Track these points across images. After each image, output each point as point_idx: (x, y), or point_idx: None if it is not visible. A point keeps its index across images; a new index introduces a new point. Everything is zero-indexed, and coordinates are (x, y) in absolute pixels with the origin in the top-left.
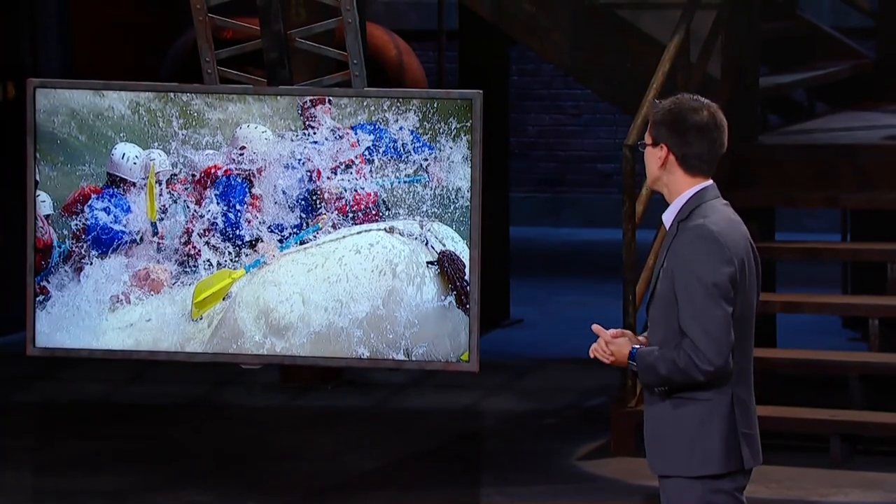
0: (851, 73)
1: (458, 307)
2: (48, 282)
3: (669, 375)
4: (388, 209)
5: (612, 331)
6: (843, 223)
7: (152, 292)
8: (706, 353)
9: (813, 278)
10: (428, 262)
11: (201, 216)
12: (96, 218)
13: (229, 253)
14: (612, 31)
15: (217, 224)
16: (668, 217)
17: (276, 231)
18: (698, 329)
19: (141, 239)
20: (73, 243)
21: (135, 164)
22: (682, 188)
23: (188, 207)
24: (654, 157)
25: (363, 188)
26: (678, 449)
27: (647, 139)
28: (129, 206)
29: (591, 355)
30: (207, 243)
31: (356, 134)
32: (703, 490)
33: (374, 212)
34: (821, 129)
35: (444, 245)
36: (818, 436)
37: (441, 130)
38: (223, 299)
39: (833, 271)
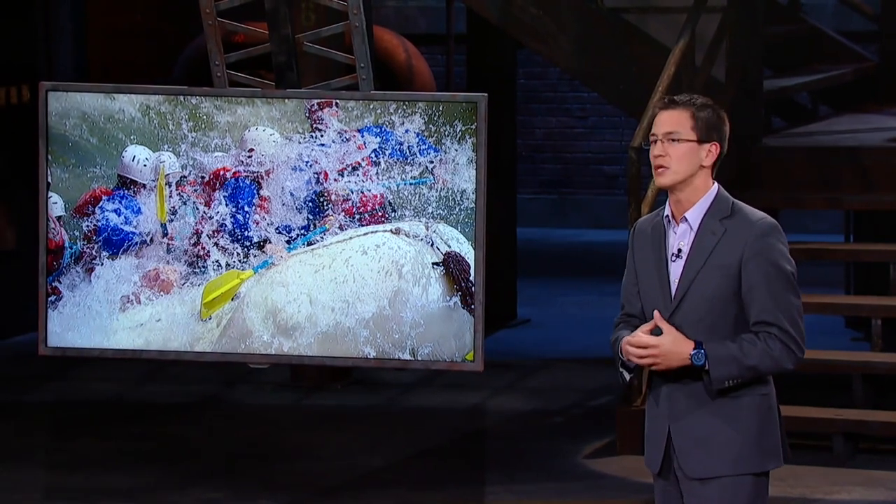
0: (854, 76)
1: (463, 307)
2: (60, 282)
3: (758, 365)
4: (394, 211)
5: (641, 332)
6: (846, 224)
7: (162, 293)
8: (798, 339)
9: (816, 279)
10: (433, 263)
11: (210, 217)
12: (107, 219)
13: (238, 254)
14: (617, 35)
15: (226, 225)
16: (695, 216)
17: (284, 232)
18: (787, 317)
19: (151, 240)
20: (84, 244)
21: (145, 166)
22: (707, 186)
23: (197, 209)
24: (695, 154)
25: (369, 190)
26: (741, 447)
27: (690, 135)
28: (139, 208)
29: (637, 363)
30: (216, 244)
31: (363, 136)
32: (758, 486)
33: (380, 213)
34: (824, 131)
35: (449, 246)
36: (821, 434)
37: (446, 133)
38: (232, 299)
39: (836, 272)
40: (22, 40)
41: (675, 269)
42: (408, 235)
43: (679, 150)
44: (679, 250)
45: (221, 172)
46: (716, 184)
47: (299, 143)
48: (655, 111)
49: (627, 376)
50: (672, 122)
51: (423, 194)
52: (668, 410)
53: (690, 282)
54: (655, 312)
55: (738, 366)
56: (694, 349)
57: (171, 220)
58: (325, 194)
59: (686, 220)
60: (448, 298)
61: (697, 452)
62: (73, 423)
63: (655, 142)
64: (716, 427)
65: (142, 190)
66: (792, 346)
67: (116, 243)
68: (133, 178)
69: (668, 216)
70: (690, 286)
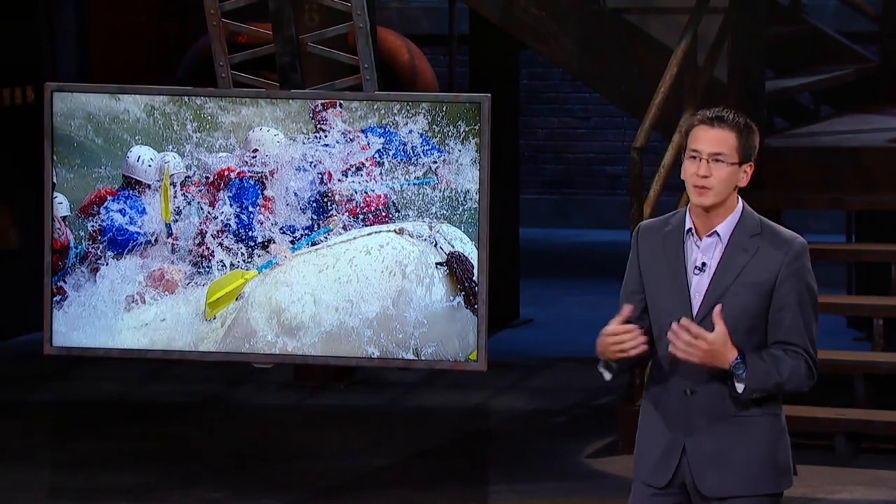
0: (856, 76)
1: (467, 307)
2: (65, 282)
3: (787, 382)
4: (398, 211)
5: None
6: (848, 224)
7: (167, 292)
8: (817, 362)
9: (818, 279)
10: (437, 263)
11: (215, 218)
12: (112, 219)
13: (242, 254)
14: (619, 36)
15: (230, 225)
16: (725, 230)
17: (288, 232)
18: (809, 340)
19: (155, 240)
20: (89, 244)
21: (150, 166)
22: (735, 202)
23: (202, 209)
24: (735, 175)
25: (373, 190)
26: (760, 465)
27: (734, 157)
28: (144, 208)
29: (674, 353)
30: (221, 244)
31: (366, 137)
32: None
33: (384, 213)
34: (826, 132)
35: (452, 246)
36: (823, 434)
37: (450, 133)
38: (236, 299)
39: (838, 272)
40: (25, 41)
41: (699, 283)
42: (411, 235)
43: (723, 172)
44: (703, 264)
45: (226, 173)
46: (741, 199)
47: (303, 143)
48: (696, 123)
49: (608, 376)
50: (719, 143)
51: (427, 194)
52: (683, 424)
53: (719, 297)
54: (717, 310)
55: (770, 380)
56: (737, 357)
57: (176, 221)
58: (329, 194)
59: (717, 234)
60: (452, 298)
61: (715, 470)
62: (75, 422)
63: (697, 159)
64: (734, 445)
65: (146, 190)
66: (814, 368)
67: (121, 243)
68: (138, 178)
69: (690, 229)
70: (718, 301)
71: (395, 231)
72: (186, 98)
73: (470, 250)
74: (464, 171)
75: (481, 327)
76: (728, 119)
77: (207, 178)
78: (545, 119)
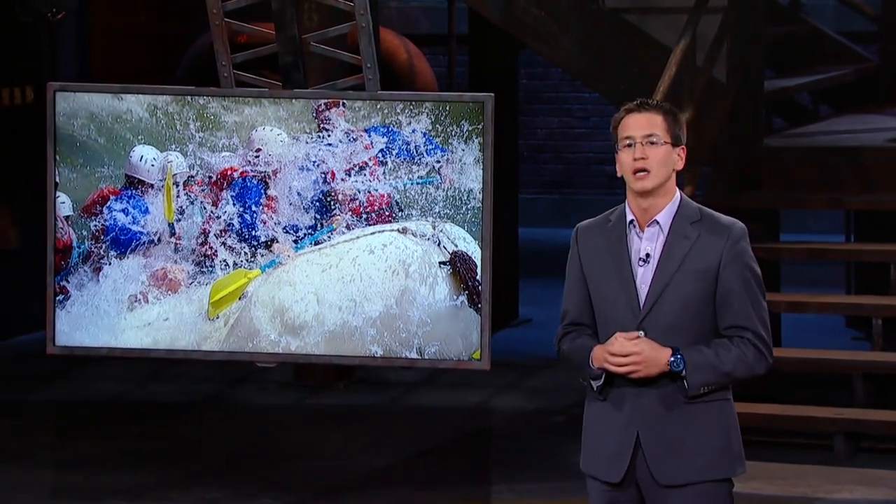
0: (855, 76)
1: (470, 306)
2: (68, 281)
3: (733, 371)
4: (401, 210)
5: (616, 341)
6: (847, 224)
7: (170, 292)
8: (770, 344)
9: (817, 279)
10: (440, 263)
11: (218, 217)
12: (115, 219)
13: (245, 253)
14: (619, 36)
15: (233, 225)
16: (665, 219)
17: (291, 232)
18: (760, 322)
19: (158, 239)
20: (92, 244)
21: (153, 166)
22: (674, 190)
23: (205, 209)
24: (670, 157)
25: (376, 189)
26: (714, 451)
27: (666, 137)
28: (146, 208)
29: (615, 371)
30: (224, 244)
31: (370, 136)
32: (728, 490)
33: (387, 213)
34: (825, 131)
35: (456, 245)
36: (822, 433)
37: (453, 133)
38: (239, 299)
39: (837, 272)
40: (26, 41)
41: (644, 274)
42: (415, 235)
43: (658, 152)
44: (647, 255)
45: (229, 172)
46: (678, 188)
47: (306, 142)
48: (623, 114)
49: (595, 385)
50: (649, 125)
51: (430, 194)
52: (634, 416)
53: (664, 286)
54: (618, 336)
55: (714, 372)
56: (672, 356)
57: (179, 220)
58: (333, 194)
59: (657, 223)
60: (455, 297)
61: (670, 460)
62: (76, 422)
63: (630, 145)
64: (687, 433)
65: (149, 190)
66: (765, 351)
67: (124, 243)
68: (141, 177)
69: (632, 221)
70: (664, 291)
71: (398, 230)
72: (189, 98)
73: (473, 249)
74: (467, 170)
75: (485, 326)
76: (652, 103)
77: (210, 177)
78: (545, 119)
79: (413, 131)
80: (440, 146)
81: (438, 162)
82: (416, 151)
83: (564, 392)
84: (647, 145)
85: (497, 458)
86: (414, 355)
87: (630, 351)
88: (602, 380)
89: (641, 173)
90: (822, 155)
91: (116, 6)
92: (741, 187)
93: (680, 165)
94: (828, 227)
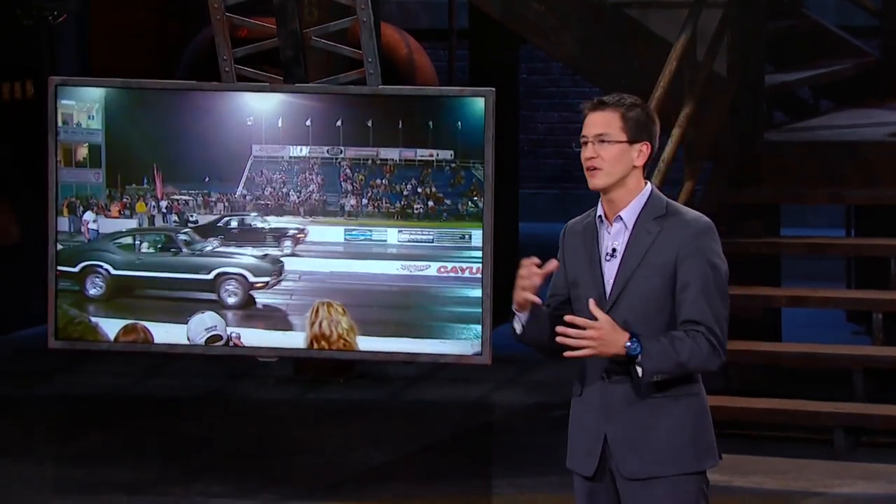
0: (856, 71)
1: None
2: None
3: (687, 362)
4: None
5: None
6: (847, 219)
7: None
8: (723, 341)
9: (817, 273)
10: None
11: None
12: None
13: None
14: (619, 30)
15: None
16: (629, 215)
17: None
18: (714, 317)
19: None
20: None
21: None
22: (640, 186)
23: None
24: (626, 154)
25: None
26: (680, 445)
27: (620, 136)
28: None
29: (565, 342)
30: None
31: None
32: (699, 484)
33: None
34: (825, 126)
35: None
36: (822, 428)
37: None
38: None
39: (837, 266)
40: (26, 38)
41: (610, 269)
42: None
43: (610, 151)
44: (613, 250)
45: None
46: (649, 183)
47: None
48: (585, 113)
49: (519, 328)
50: (602, 124)
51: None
52: (603, 411)
53: (626, 281)
54: (591, 301)
55: (669, 361)
56: (629, 340)
57: None
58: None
59: (621, 219)
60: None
61: (634, 453)
62: (77, 417)
63: (586, 143)
64: (652, 427)
65: None
66: (717, 346)
67: None
68: None
69: (600, 216)
70: (626, 285)
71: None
72: None
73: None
74: None
75: (486, 321)
76: (610, 101)
77: None
78: (545, 114)
79: None
80: None
81: None
82: None
83: (565, 386)
84: (598, 144)
85: (497, 453)
86: (415, 350)
87: (587, 324)
88: (525, 326)
89: (593, 171)
90: (823, 149)
91: (117, 5)
92: (742, 182)
93: (640, 162)
94: (828, 222)
